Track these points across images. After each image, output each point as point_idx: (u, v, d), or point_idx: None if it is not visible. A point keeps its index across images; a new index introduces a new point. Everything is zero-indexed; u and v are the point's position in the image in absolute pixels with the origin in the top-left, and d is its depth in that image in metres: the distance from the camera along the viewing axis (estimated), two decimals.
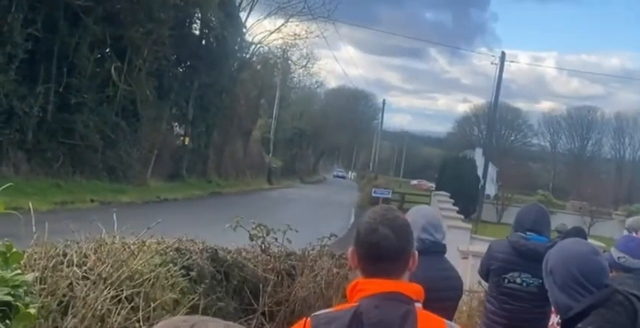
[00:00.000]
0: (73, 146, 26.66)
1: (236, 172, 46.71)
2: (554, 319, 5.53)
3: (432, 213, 4.75)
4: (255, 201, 34.69)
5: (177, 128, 39.66)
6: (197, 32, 38.62)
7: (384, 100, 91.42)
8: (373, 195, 40.73)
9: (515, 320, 5.53)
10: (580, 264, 3.35)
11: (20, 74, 24.25)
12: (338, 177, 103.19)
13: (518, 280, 5.53)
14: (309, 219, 27.59)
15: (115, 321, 4.44)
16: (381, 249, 2.45)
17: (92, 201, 23.25)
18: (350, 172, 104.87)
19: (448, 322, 2.52)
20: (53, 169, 25.34)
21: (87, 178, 26.80)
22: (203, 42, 38.57)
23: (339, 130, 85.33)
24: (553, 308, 5.61)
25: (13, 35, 23.30)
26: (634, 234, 7.85)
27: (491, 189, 43.67)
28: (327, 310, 2.57)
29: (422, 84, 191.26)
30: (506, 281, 5.57)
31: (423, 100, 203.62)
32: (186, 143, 38.56)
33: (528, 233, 5.59)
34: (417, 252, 2.58)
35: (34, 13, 24.38)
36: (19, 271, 3.83)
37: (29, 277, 3.92)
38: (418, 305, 2.46)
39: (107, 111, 29.06)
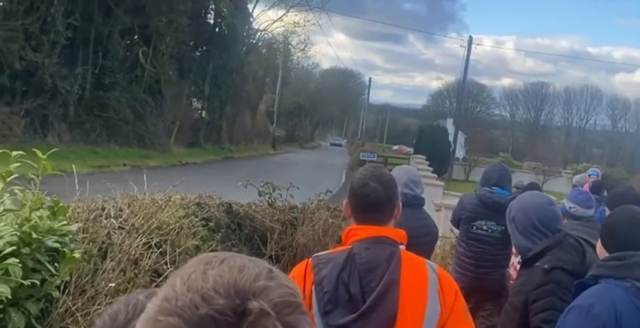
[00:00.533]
0: (107, 119, 26.63)
1: (245, 140, 46.65)
2: (514, 259, 5.57)
3: (413, 171, 4.74)
4: (262, 164, 34.63)
5: (196, 103, 39.56)
6: (211, 21, 38.32)
7: (369, 79, 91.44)
8: (361, 158, 40.67)
9: (482, 261, 5.57)
10: (538, 213, 3.37)
11: (62, 58, 24.13)
12: (335, 145, 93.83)
13: (485, 227, 5.56)
14: (307, 179, 27.59)
15: (147, 264, 4.44)
16: (370, 200, 2.46)
17: (124, 165, 23.24)
18: (342, 139, 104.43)
19: (427, 261, 2.52)
20: (91, 138, 25.35)
21: (120, 146, 26.81)
22: (216, 29, 38.27)
23: (331, 104, 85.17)
24: (514, 250, 5.67)
25: (56, 25, 23.13)
26: (581, 188, 7.89)
27: (460, 153, 43.51)
28: (325, 252, 2.57)
29: (401, 64, 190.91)
30: (474, 228, 5.60)
31: (402, 78, 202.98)
32: (203, 116, 38.52)
33: (493, 187, 5.61)
34: (401, 204, 2.58)
35: (72, 6, 24.17)
36: (65, 222, 3.83)
37: (74, 227, 3.92)
38: (402, 247, 2.46)
39: (136, 89, 28.98)
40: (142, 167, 22.10)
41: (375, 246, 2.41)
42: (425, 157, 29.45)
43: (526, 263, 3.40)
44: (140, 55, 28.94)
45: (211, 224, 5.74)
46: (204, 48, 37.56)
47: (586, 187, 9.26)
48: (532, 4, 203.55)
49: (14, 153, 3.81)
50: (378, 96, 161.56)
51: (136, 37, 29.62)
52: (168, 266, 4.66)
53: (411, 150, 55.91)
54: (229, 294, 0.78)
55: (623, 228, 2.93)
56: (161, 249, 4.73)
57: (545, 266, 3.17)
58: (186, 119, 35.20)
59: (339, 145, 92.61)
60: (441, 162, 36.29)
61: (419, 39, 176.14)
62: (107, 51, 26.79)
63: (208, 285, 0.79)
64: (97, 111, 26.16)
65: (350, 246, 2.44)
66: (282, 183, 7.44)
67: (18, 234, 3.46)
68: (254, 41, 46.68)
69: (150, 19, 28.76)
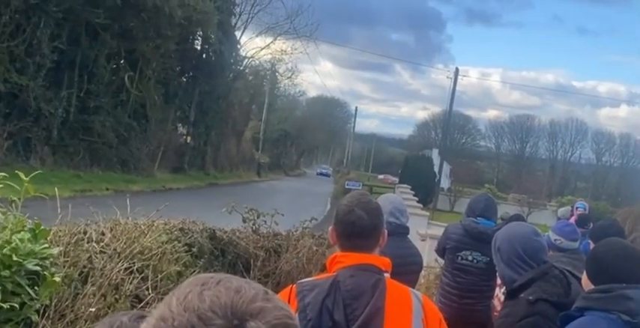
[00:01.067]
0: (91, 143, 26.49)
1: (230, 166, 46.56)
2: (498, 291, 5.57)
3: (399, 200, 4.76)
4: (247, 190, 34.56)
5: (181, 128, 39.53)
6: (198, 47, 38.46)
7: (356, 107, 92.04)
8: (346, 186, 40.72)
9: (466, 291, 5.57)
10: (523, 243, 3.37)
11: (47, 81, 24.06)
12: (322, 174, 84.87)
13: (470, 257, 5.57)
14: (292, 206, 27.51)
15: (128, 289, 4.41)
16: (356, 227, 2.46)
17: (107, 189, 23.07)
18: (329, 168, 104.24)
19: (412, 289, 2.53)
20: (74, 162, 25.17)
21: (103, 170, 26.64)
22: (203, 56, 38.40)
23: (317, 132, 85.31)
24: (498, 281, 5.67)
25: (42, 47, 23.13)
26: (567, 221, 7.93)
27: (445, 183, 43.73)
28: (310, 278, 2.57)
29: (388, 94, 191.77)
30: (459, 258, 5.61)
31: (388, 108, 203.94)
32: (188, 141, 38.46)
33: (479, 218, 5.63)
34: (386, 232, 2.59)
35: (59, 29, 24.19)
36: (46, 245, 3.80)
37: (55, 251, 3.89)
38: (387, 275, 2.47)
39: (121, 114, 28.90)
40: (125, 192, 21.99)
41: (360, 274, 2.41)
42: (410, 187, 29.51)
43: (511, 295, 3.39)
44: (126, 79, 28.91)
45: (194, 250, 5.71)
46: (191, 73, 37.65)
47: (572, 220, 9.31)
48: (518, 37, 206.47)
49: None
50: (365, 125, 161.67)
51: (122, 61, 29.59)
52: (150, 291, 4.63)
53: (396, 179, 56.03)
54: (226, 315, 0.79)
55: (610, 260, 2.94)
56: (143, 274, 4.69)
57: (530, 297, 3.16)
58: (171, 144, 35.13)
59: (327, 175, 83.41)
60: (426, 192, 36.34)
61: (406, 69, 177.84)
62: (93, 75, 26.75)
63: (205, 306, 0.80)
64: (80, 134, 26.02)
65: (335, 273, 2.44)
66: (266, 210, 7.43)
67: None
68: (241, 68, 46.88)
69: (137, 44, 28.80)
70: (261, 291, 0.85)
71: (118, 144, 28.06)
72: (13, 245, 3.58)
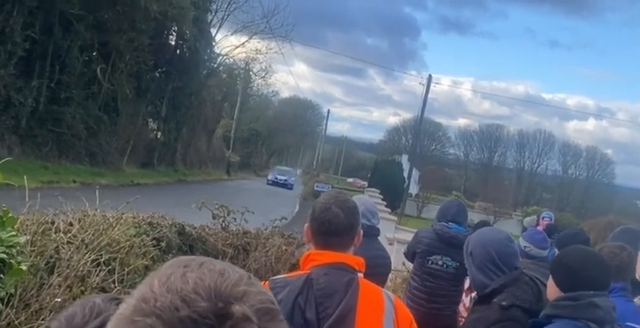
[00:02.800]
0: (60, 134, 26.13)
1: (200, 164, 46.32)
2: (465, 299, 5.60)
3: (371, 202, 4.77)
4: (216, 188, 34.34)
5: (152, 123, 39.14)
6: (173, 43, 38.14)
7: (328, 110, 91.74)
8: (315, 188, 40.89)
9: (434, 296, 5.59)
10: (497, 248, 3.37)
11: (18, 69, 23.67)
12: (276, 183, 53.04)
13: (440, 262, 5.60)
14: (260, 206, 27.33)
15: (94, 281, 4.36)
16: (332, 225, 2.45)
17: (74, 182, 22.75)
18: (296, 169, 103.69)
19: (384, 290, 2.53)
20: (42, 153, 24.81)
21: (71, 162, 26.31)
22: (178, 51, 38.14)
23: (288, 133, 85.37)
24: (465, 287, 5.71)
25: (14, 35, 22.74)
26: (538, 229, 8.02)
27: (413, 189, 43.96)
28: (282, 275, 2.56)
29: (360, 98, 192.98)
30: (429, 262, 5.63)
31: (360, 112, 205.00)
32: (158, 136, 38.13)
33: (450, 223, 5.66)
34: (362, 232, 2.59)
35: (32, 18, 23.80)
36: (13, 233, 3.74)
37: (22, 239, 3.83)
38: (360, 275, 2.47)
39: (91, 106, 28.56)
40: (93, 185, 21.68)
41: (334, 272, 2.41)
42: (379, 191, 29.59)
43: (482, 299, 3.40)
44: (98, 71, 28.59)
45: (163, 244, 5.67)
46: (164, 69, 37.32)
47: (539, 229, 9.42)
48: (490, 47, 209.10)
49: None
50: (336, 128, 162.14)
51: (95, 53, 29.24)
52: (116, 284, 4.58)
53: (365, 183, 56.23)
54: (210, 297, 0.77)
55: (577, 267, 2.96)
56: (110, 267, 4.64)
57: (504, 303, 3.16)
58: (141, 139, 34.79)
59: (285, 185, 53.15)
60: (394, 196, 36.51)
61: (379, 74, 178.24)
62: (65, 65, 26.39)
63: (189, 287, 0.78)
64: (50, 125, 25.64)
65: (308, 271, 2.43)
66: (236, 208, 7.40)
67: None
68: (215, 65, 46.66)
69: (110, 36, 28.51)
70: (245, 275, 0.84)
71: (88, 136, 27.72)
72: None
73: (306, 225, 2.56)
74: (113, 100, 30.24)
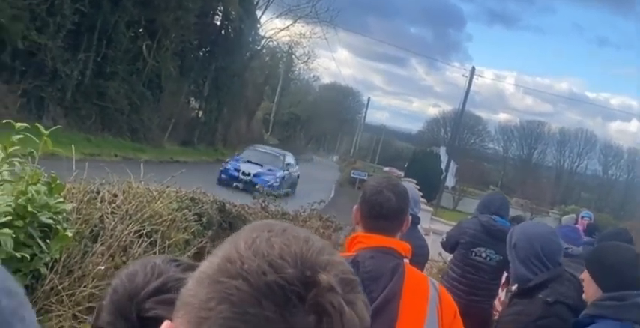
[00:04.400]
0: (104, 107, 26.52)
1: (239, 144, 46.57)
2: (501, 293, 5.56)
3: (414, 190, 4.75)
4: None
5: (193, 102, 39.51)
6: (218, 23, 38.32)
7: (368, 98, 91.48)
8: (352, 175, 40.87)
9: (474, 288, 5.54)
10: (543, 243, 3.33)
11: (66, 42, 24.01)
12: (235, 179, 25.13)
13: (484, 254, 5.55)
14: (297, 190, 27.58)
15: (136, 252, 4.41)
16: (383, 209, 2.44)
17: (116, 155, 23.10)
18: (333, 156, 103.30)
19: (429, 277, 2.50)
20: (86, 125, 25.22)
21: (113, 136, 26.71)
22: (222, 32, 38.27)
23: (327, 119, 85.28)
24: (503, 282, 5.66)
25: (64, 8, 23.05)
26: (573, 227, 7.92)
27: (450, 181, 43.69)
28: None
29: (401, 87, 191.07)
30: (473, 254, 5.58)
31: (400, 101, 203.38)
32: (199, 116, 38.48)
33: (494, 216, 5.61)
34: (410, 218, 2.57)
35: None
36: (60, 200, 3.78)
37: (68, 206, 3.87)
38: (406, 260, 2.45)
39: (136, 82, 28.90)
40: (134, 159, 22.03)
41: (380, 256, 2.39)
42: (415, 182, 29.49)
43: (522, 293, 3.37)
44: (144, 48, 28.89)
45: (203, 220, 5.71)
46: (208, 48, 37.56)
47: (579, 228, 9.30)
48: (536, 42, 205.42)
49: (18, 124, 3.78)
50: (375, 116, 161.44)
51: (141, 30, 29.60)
52: None
53: (401, 173, 56.02)
54: (296, 264, 0.78)
55: (620, 267, 2.91)
56: (151, 239, 4.69)
57: (549, 298, 3.13)
58: (182, 117, 35.14)
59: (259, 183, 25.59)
60: (430, 188, 36.33)
61: (421, 64, 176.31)
62: (111, 40, 26.72)
63: (275, 252, 0.78)
64: (94, 98, 26.04)
65: (355, 253, 2.42)
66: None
67: (13, 205, 3.42)
68: (258, 47, 46.77)
69: (157, 14, 28.75)
70: (327, 244, 0.84)
71: (130, 111, 28.10)
72: (28, 196, 3.56)
73: (355, 207, 2.54)
74: (157, 77, 30.55)
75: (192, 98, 38.94)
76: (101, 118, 26.32)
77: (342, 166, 68.47)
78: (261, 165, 25.27)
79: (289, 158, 29.17)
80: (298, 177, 29.67)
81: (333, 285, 0.77)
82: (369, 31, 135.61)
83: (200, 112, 38.66)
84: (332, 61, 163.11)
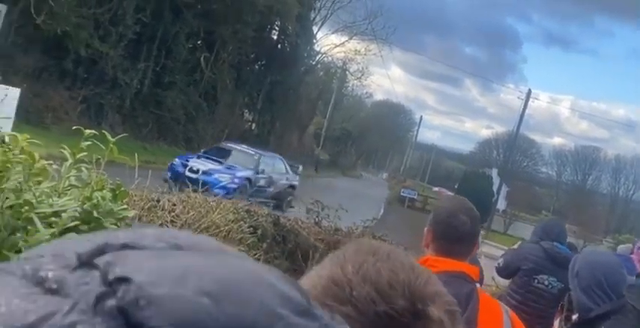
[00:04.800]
0: (160, 116, 27.02)
1: (289, 158, 46.77)
2: (555, 321, 5.41)
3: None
4: (304, 184, 34.57)
5: (247, 114, 39.91)
6: (275, 37, 38.79)
7: (421, 117, 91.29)
8: (401, 193, 40.63)
9: (533, 316, 5.39)
10: (607, 273, 3.26)
11: (126, 51, 24.61)
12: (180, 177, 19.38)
13: (546, 282, 5.41)
14: (346, 206, 27.47)
15: None
16: (457, 232, 2.40)
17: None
18: (383, 173, 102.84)
19: (501, 303, 2.45)
20: (142, 133, 25.73)
21: (168, 144, 27.17)
22: (278, 46, 38.70)
23: (378, 136, 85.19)
24: (557, 310, 5.52)
25: (126, 18, 23.65)
26: (627, 256, 7.72)
27: (502, 204, 43.12)
28: None
29: (454, 107, 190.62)
30: (535, 281, 5.44)
31: (452, 121, 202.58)
32: (253, 128, 38.82)
33: (554, 243, 5.48)
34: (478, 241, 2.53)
35: (144, 2, 24.72)
36: (124, 207, 3.83)
37: (131, 213, 3.91)
38: (478, 285, 2.40)
39: (192, 92, 29.38)
40: None
41: (454, 281, 2.32)
42: None
43: (583, 323, 3.29)
44: (202, 59, 29.38)
45: (258, 232, 5.72)
46: (264, 62, 37.99)
47: (634, 258, 9.04)
48: (593, 66, 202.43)
49: (87, 131, 3.86)
50: (426, 135, 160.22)
51: (200, 41, 30.11)
52: None
53: (451, 193, 55.51)
54: (405, 294, 0.77)
55: None
56: None
57: None
58: (236, 128, 35.48)
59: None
60: (481, 210, 35.30)
61: (475, 85, 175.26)
62: (170, 51, 27.25)
63: (383, 280, 0.78)
64: (151, 107, 26.57)
65: None
66: (329, 205, 7.42)
67: (79, 210, 3.47)
68: (313, 63, 47.13)
69: (216, 26, 29.23)
70: (432, 273, 0.83)
71: (186, 121, 28.57)
72: (94, 201, 3.61)
73: (425, 228, 2.50)
74: (213, 89, 30.99)
75: (246, 110, 39.35)
76: (157, 127, 26.82)
77: (391, 184, 68.22)
78: (221, 163, 19.76)
79: (274, 161, 22.41)
80: (293, 187, 22.58)
81: (442, 319, 0.76)
82: (423, 49, 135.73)
83: (253, 125, 39.02)
84: (385, 78, 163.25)
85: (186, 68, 28.73)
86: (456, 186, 53.59)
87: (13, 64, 20.18)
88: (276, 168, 22.02)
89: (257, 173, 19.89)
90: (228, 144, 22.57)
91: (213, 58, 30.14)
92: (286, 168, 23.28)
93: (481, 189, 41.21)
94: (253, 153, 21.40)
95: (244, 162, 20.24)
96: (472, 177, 46.36)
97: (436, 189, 79.26)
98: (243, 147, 22.29)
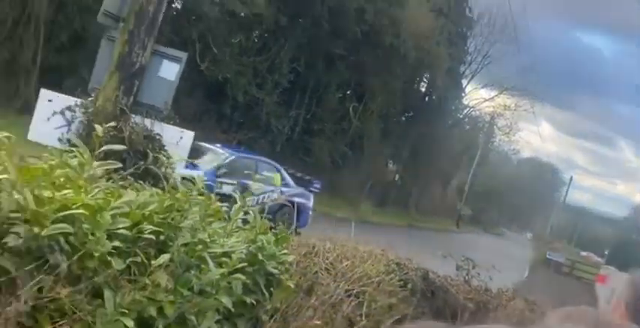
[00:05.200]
0: (307, 163, 27.57)
1: (431, 211, 46.23)
2: None
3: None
4: (446, 239, 33.96)
5: (391, 165, 39.98)
6: (423, 89, 38.91)
7: (571, 177, 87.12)
8: (547, 256, 38.87)
9: None
10: None
11: (280, 98, 25.53)
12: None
13: None
14: (487, 265, 26.58)
15: (345, 311, 4.43)
16: None
17: (314, 210, 23.62)
18: (527, 233, 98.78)
19: None
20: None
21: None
22: (426, 98, 38.79)
23: (523, 195, 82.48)
24: None
25: (282, 67, 24.66)
26: None
27: None
28: None
29: (606, 168, 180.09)
30: None
31: (604, 183, 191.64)
32: (396, 179, 38.80)
33: None
34: None
35: (300, 52, 25.64)
36: (285, 251, 3.94)
37: (290, 258, 4.01)
38: None
39: (339, 141, 29.87)
40: (329, 215, 22.51)
41: None
42: (616, 270, 27.38)
43: None
44: (350, 109, 29.91)
45: (409, 286, 5.66)
46: (411, 113, 38.13)
47: None
48: None
49: (257, 176, 4.06)
50: (575, 196, 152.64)
51: (349, 91, 30.75)
52: (363, 318, 4.63)
53: (600, 260, 52.44)
54: None
55: None
56: (360, 299, 4.71)
57: None
58: (380, 179, 35.61)
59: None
60: None
61: (629, 145, 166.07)
62: (321, 100, 27.99)
63: None
64: (300, 154, 27.25)
65: None
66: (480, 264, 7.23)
67: (245, 252, 3.60)
68: (460, 116, 46.75)
69: (367, 78, 29.76)
70: None
71: (332, 169, 28.96)
72: (259, 244, 3.74)
73: (619, 300, 2.34)
74: (359, 138, 31.38)
75: (391, 161, 39.46)
76: (306, 173, 27.36)
77: (536, 245, 65.45)
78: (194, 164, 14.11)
79: (261, 168, 15.49)
80: (296, 206, 16.02)
81: None
82: (574, 106, 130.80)
83: (397, 175, 39.01)
84: (533, 134, 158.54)
85: (335, 117, 29.34)
86: (606, 252, 50.64)
87: (177, 107, 21.43)
88: (264, 176, 13.88)
89: (215, 176, 14.92)
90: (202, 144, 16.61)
91: (362, 108, 30.61)
92: (286, 182, 17.53)
93: (635, 257, 38.72)
94: (222, 152, 16.85)
95: (211, 161, 16.02)
96: (628, 245, 43.64)
97: (584, 253, 75.18)
98: (218, 146, 17.52)
